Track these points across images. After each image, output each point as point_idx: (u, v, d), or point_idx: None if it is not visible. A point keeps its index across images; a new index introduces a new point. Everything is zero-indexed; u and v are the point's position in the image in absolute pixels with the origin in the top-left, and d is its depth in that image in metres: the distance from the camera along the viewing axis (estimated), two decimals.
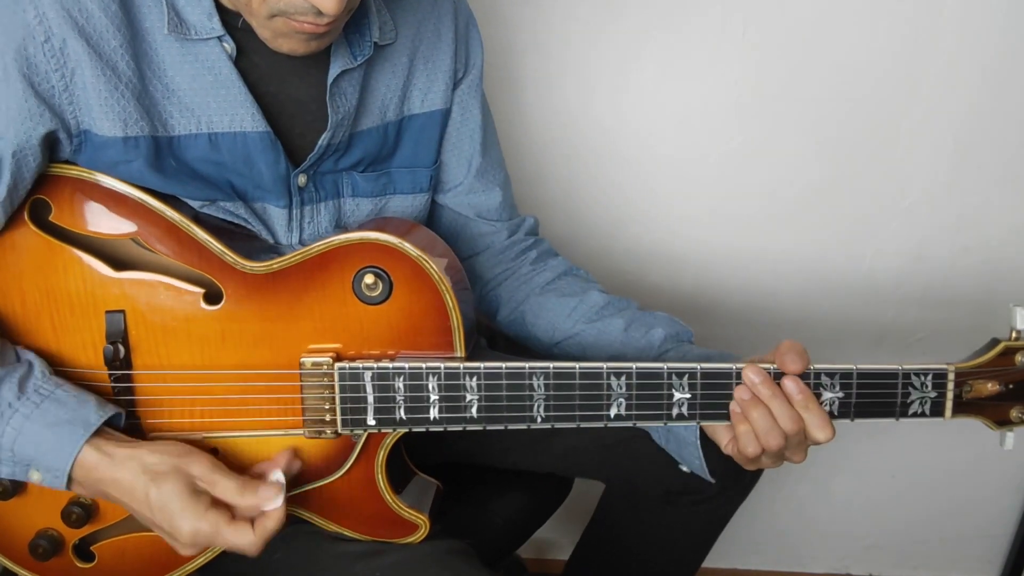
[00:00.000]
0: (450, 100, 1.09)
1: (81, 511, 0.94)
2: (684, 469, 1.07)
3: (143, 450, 0.86)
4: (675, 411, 0.92)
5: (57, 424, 0.85)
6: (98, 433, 0.86)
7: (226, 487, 0.86)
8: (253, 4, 0.84)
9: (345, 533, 0.99)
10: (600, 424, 0.92)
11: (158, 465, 0.85)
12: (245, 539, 0.84)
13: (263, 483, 0.87)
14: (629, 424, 0.92)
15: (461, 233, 1.17)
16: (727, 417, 0.92)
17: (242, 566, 1.00)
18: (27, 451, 0.85)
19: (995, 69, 1.40)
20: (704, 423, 0.94)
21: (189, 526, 0.83)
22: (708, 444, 0.99)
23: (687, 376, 0.91)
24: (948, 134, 1.45)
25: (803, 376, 0.90)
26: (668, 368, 0.90)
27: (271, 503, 0.86)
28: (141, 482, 0.84)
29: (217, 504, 0.85)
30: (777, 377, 0.90)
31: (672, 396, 0.91)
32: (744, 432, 0.90)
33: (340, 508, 0.98)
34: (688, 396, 0.91)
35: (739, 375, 0.90)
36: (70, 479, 0.86)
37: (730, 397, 0.91)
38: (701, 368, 0.90)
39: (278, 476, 0.89)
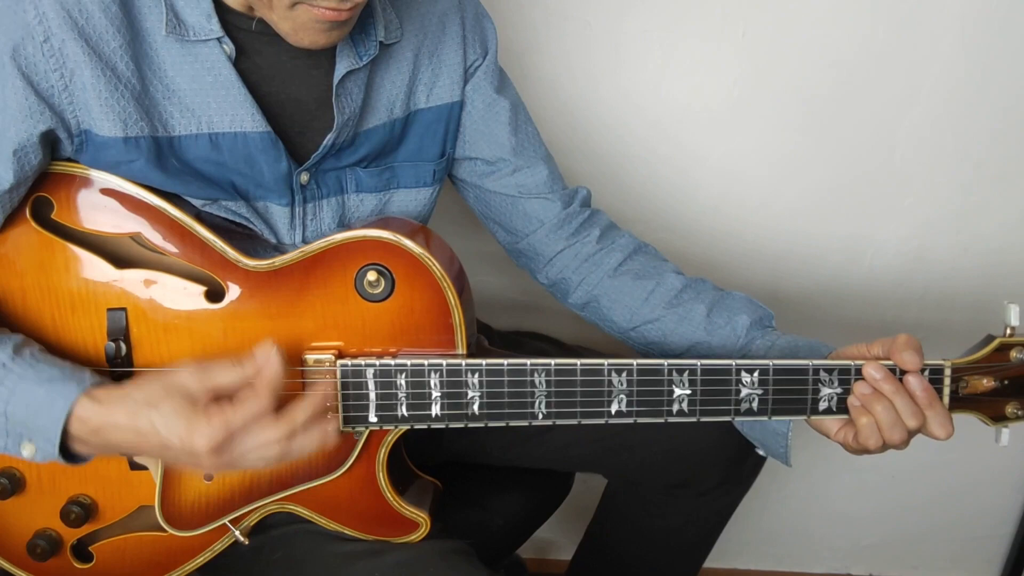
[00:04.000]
0: (461, 92, 1.08)
1: (80, 510, 0.94)
2: (760, 452, 1.08)
3: (130, 387, 0.84)
4: (675, 407, 0.92)
5: (50, 381, 0.84)
6: (89, 390, 0.84)
7: (222, 371, 0.83)
8: None
9: (345, 532, 0.99)
10: (601, 420, 0.92)
11: (149, 392, 0.83)
12: (254, 405, 0.81)
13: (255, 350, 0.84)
14: (630, 421, 0.93)
15: (514, 213, 1.14)
16: (728, 413, 0.92)
17: (242, 565, 1.00)
18: (20, 413, 0.84)
19: (995, 69, 1.41)
20: (705, 419, 0.94)
21: (201, 436, 0.80)
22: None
23: (687, 372, 0.91)
24: (948, 133, 1.45)
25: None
26: (668, 364, 0.91)
27: (269, 359, 0.82)
28: (140, 415, 0.82)
29: (218, 401, 0.82)
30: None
31: (672, 392, 0.92)
32: (867, 425, 0.91)
33: (341, 506, 0.98)
34: (688, 392, 0.92)
35: (739, 371, 0.91)
36: (68, 436, 0.84)
37: (729, 392, 0.92)
38: (701, 364, 0.91)
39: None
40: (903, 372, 0.90)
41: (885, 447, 0.92)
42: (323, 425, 0.85)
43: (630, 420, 0.93)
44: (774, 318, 1.07)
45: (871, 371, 0.90)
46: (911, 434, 0.91)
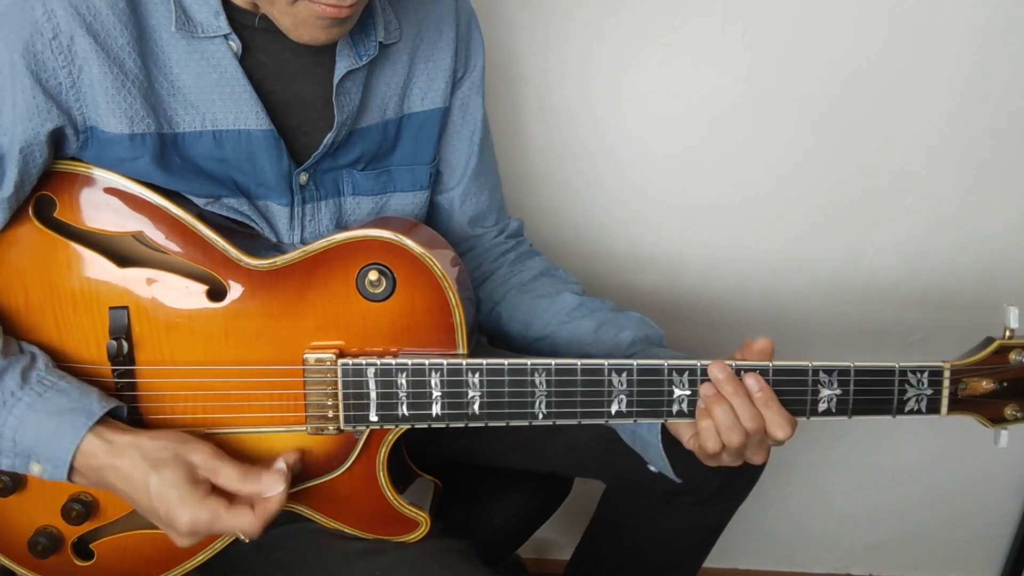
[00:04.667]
0: (449, 99, 1.09)
1: (81, 508, 0.94)
2: (652, 469, 1.07)
3: (143, 437, 0.87)
4: (675, 408, 0.92)
5: (60, 413, 0.85)
6: (100, 422, 0.86)
7: (228, 474, 0.86)
8: None
9: (345, 530, 0.99)
10: (601, 421, 0.92)
11: (159, 452, 0.85)
12: (245, 521, 0.84)
13: (266, 470, 0.87)
14: (630, 421, 0.93)
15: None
16: None
17: (242, 565, 1.00)
18: (28, 441, 0.85)
19: (995, 69, 1.41)
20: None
21: (187, 515, 0.83)
22: (677, 445, 0.99)
23: (687, 373, 0.91)
24: (948, 134, 1.45)
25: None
26: (668, 365, 0.91)
27: (274, 489, 0.86)
28: (141, 469, 0.84)
29: (216, 491, 0.86)
30: (739, 373, 0.90)
31: (672, 393, 0.92)
32: (706, 428, 0.90)
33: (341, 505, 0.98)
34: (688, 393, 0.92)
35: (739, 372, 0.91)
36: (72, 469, 0.86)
37: None
38: (701, 365, 0.91)
39: (280, 464, 0.89)
40: (744, 371, 0.90)
41: (734, 454, 0.92)
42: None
43: (630, 420, 0.93)
44: (664, 338, 1.08)
45: (715, 371, 0.90)
46: (755, 437, 0.90)
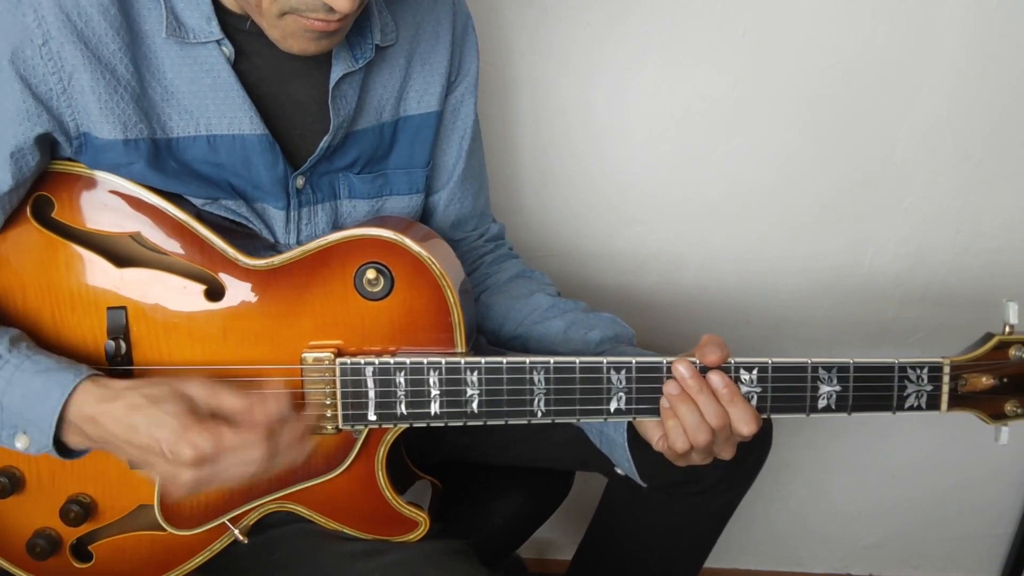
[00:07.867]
0: (443, 103, 1.09)
1: (79, 509, 0.95)
2: (619, 472, 1.07)
3: (140, 381, 0.85)
4: None
5: (47, 371, 0.85)
6: (91, 377, 0.85)
7: (230, 398, 0.83)
8: (263, 4, 0.83)
9: (345, 531, 0.99)
10: (600, 418, 0.92)
11: (156, 388, 0.83)
12: (250, 437, 0.81)
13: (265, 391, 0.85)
14: (630, 418, 0.93)
15: None
16: None
17: (241, 565, 1.00)
18: (16, 402, 0.85)
19: (994, 68, 1.41)
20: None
21: (190, 442, 0.80)
22: (643, 447, 0.99)
23: None
24: (947, 134, 1.45)
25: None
26: (667, 362, 0.90)
27: (276, 400, 0.83)
28: (140, 408, 0.82)
29: (216, 417, 0.83)
30: (704, 371, 0.90)
31: None
32: (673, 427, 0.90)
33: (340, 505, 0.98)
34: None
35: (737, 369, 0.91)
36: (61, 425, 0.84)
37: None
38: (700, 363, 0.91)
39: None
40: (707, 370, 0.90)
41: (703, 453, 0.92)
42: (303, 445, 0.85)
43: (630, 418, 0.93)
44: (635, 338, 1.08)
45: (680, 369, 0.89)
46: (722, 434, 0.90)
